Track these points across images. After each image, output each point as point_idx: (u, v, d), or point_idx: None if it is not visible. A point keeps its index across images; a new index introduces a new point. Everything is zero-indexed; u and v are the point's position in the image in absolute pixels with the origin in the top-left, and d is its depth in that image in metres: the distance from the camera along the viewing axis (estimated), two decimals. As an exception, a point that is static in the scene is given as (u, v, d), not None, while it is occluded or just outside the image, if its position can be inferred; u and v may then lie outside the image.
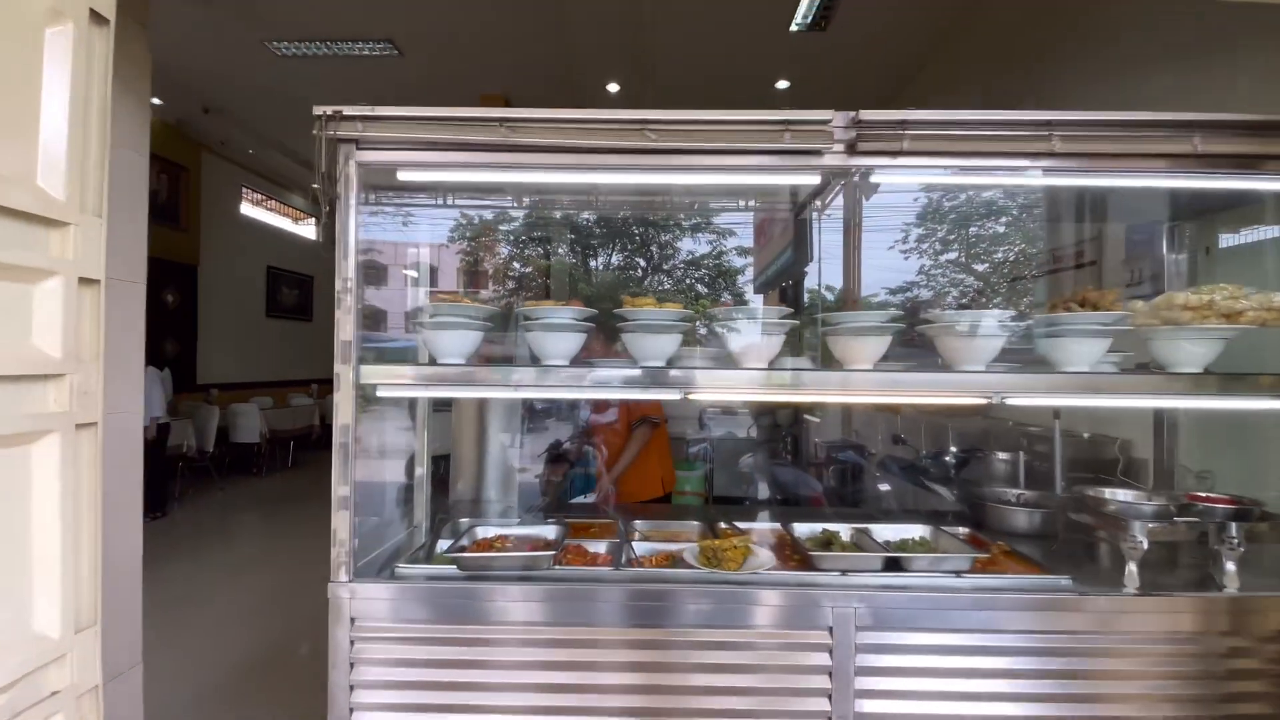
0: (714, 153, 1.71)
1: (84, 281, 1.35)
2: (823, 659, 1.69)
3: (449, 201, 2.97)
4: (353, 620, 1.70)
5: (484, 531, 1.95)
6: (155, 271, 7.86)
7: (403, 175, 1.77)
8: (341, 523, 1.71)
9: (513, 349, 2.15)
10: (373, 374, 1.74)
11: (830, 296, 5.00)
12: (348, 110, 1.65)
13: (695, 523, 2.30)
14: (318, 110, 1.65)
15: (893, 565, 1.80)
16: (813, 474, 4.85)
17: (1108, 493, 2.15)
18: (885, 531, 2.07)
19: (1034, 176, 1.82)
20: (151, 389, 5.51)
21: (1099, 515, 1.92)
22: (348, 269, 1.70)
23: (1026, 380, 1.74)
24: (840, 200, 2.65)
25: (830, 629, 1.69)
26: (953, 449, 3.78)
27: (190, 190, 7.86)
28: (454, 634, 1.69)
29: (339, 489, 1.72)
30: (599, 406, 3.13)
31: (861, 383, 1.76)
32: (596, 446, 3.20)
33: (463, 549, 1.84)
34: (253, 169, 9.45)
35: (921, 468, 3.80)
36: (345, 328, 1.71)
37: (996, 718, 1.68)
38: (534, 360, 1.83)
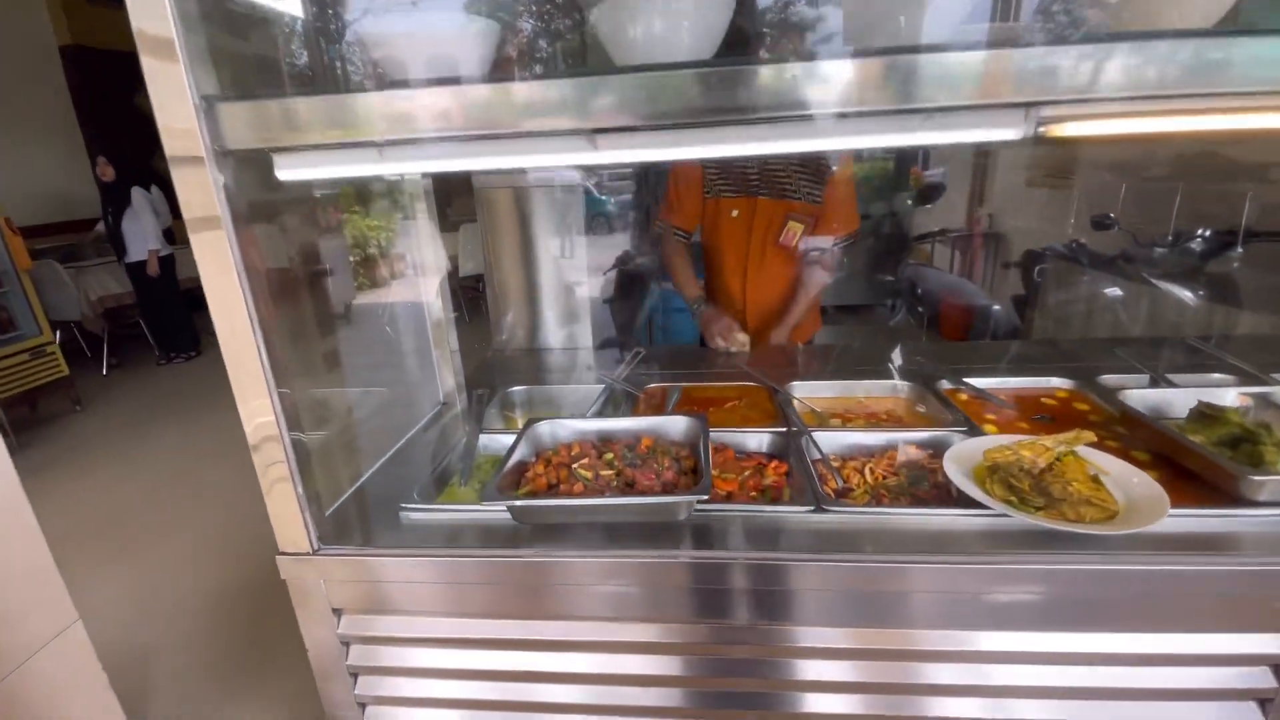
0: None
1: None
2: (1257, 678, 0.84)
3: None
4: (338, 613, 0.94)
5: (552, 431, 1.07)
6: (105, 66, 6.48)
7: None
8: (268, 444, 0.85)
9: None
10: (242, 122, 0.73)
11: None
12: None
13: (898, 383, 1.36)
14: None
15: None
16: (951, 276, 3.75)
17: None
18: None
19: None
20: (143, 215, 4.67)
21: None
22: None
23: None
24: None
25: (1294, 633, 0.81)
26: (1202, 231, 2.58)
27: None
28: (518, 633, 0.91)
29: (248, 384, 0.83)
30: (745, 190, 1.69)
31: None
32: (716, 254, 1.80)
33: (520, 469, 0.99)
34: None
35: (1147, 260, 2.65)
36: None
37: None
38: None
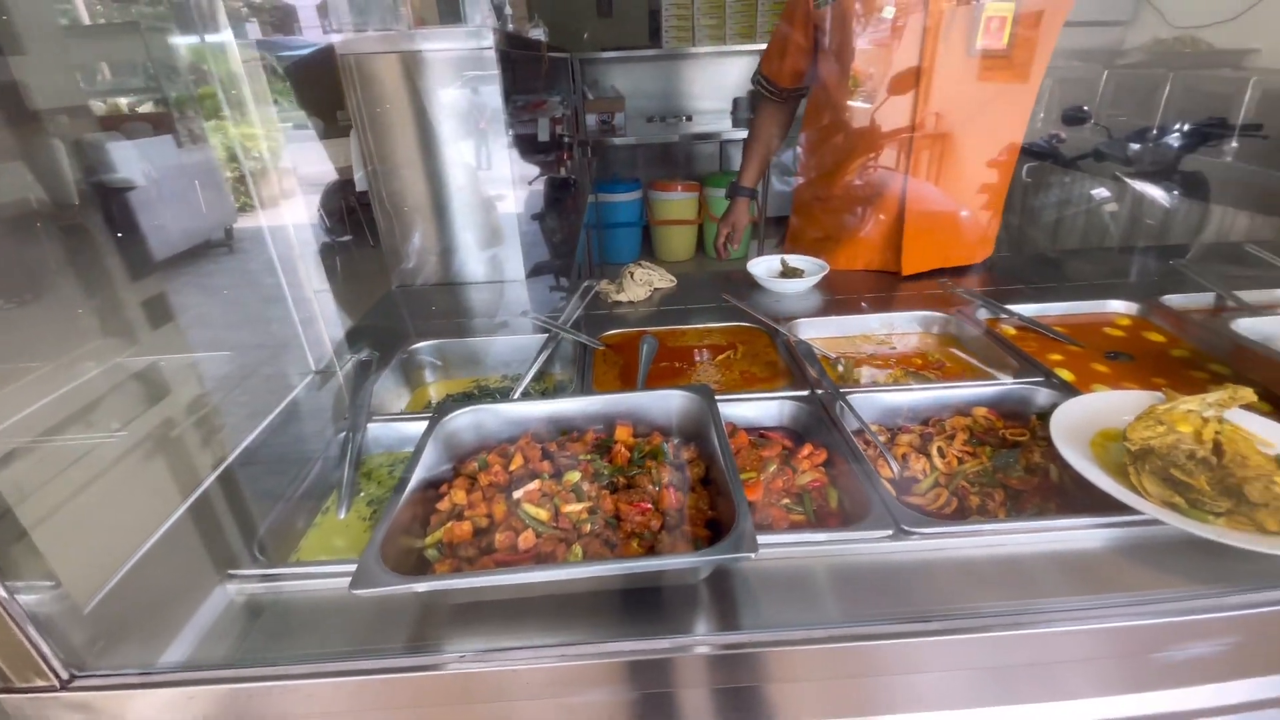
0: None
1: None
2: None
3: None
4: (135, 761, 0.57)
5: (477, 423, 0.70)
6: None
7: None
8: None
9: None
10: None
11: None
12: None
13: (927, 315, 1.06)
14: None
15: None
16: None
17: None
18: None
19: None
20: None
21: None
22: None
23: None
24: None
25: None
26: (1181, 125, 2.37)
27: None
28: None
29: None
30: None
31: None
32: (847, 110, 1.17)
33: (428, 496, 0.62)
34: None
35: (1122, 157, 2.43)
36: None
37: None
38: None
